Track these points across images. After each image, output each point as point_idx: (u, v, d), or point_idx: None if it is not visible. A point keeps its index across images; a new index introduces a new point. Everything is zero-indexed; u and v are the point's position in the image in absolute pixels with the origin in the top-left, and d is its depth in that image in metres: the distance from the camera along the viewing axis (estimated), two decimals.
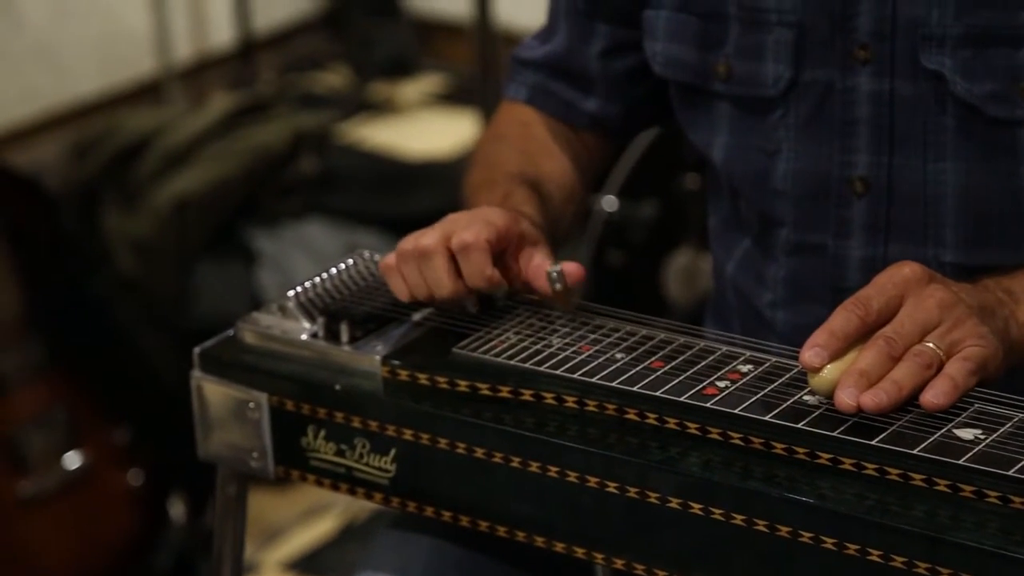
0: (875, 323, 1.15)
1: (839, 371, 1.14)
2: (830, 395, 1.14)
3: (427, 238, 1.29)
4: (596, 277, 2.31)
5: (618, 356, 1.25)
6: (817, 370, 1.15)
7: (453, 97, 3.85)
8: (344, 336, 1.31)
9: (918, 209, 1.35)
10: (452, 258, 1.29)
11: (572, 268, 1.30)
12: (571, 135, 1.51)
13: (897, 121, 1.33)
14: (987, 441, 1.10)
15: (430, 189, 3.05)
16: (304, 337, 1.33)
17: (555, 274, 1.30)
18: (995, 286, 1.22)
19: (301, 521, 2.62)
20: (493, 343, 1.29)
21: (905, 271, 1.18)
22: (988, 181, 1.32)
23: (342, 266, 1.39)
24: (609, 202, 2.34)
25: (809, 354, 1.14)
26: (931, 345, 1.14)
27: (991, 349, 1.15)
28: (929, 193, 1.34)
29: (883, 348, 1.13)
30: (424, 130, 3.73)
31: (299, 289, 1.35)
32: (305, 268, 2.74)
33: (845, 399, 1.12)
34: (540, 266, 1.31)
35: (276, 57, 4.00)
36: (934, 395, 1.12)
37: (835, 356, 1.15)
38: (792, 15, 1.35)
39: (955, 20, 1.30)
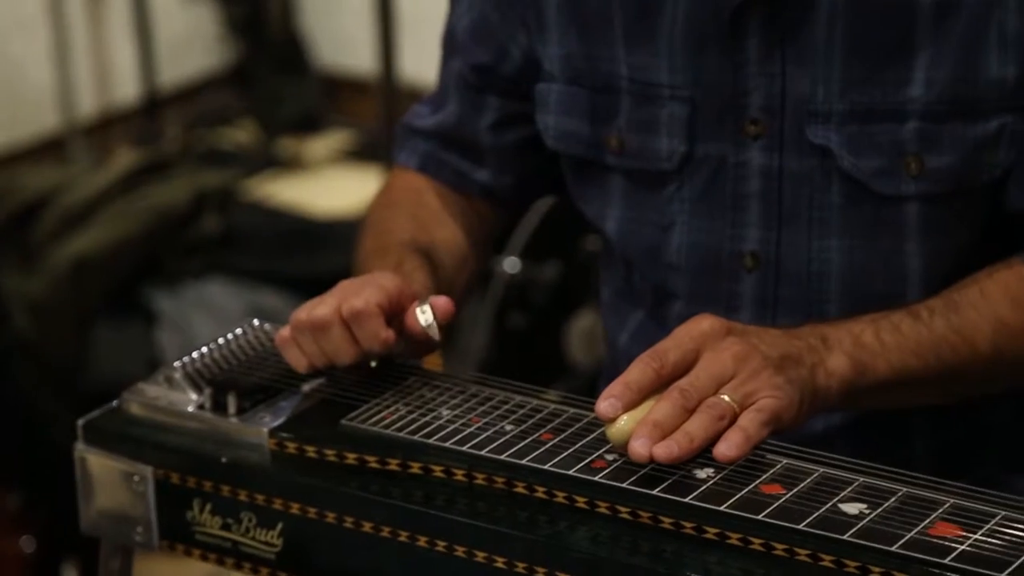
0: (670, 375, 1.17)
1: (634, 422, 1.16)
2: (624, 445, 1.15)
3: (321, 309, 1.28)
4: (498, 339, 2.31)
5: (507, 428, 1.24)
6: (612, 421, 1.16)
7: (360, 153, 3.84)
8: (231, 408, 1.30)
9: (803, 285, 1.36)
10: (348, 326, 1.28)
11: (440, 301, 1.30)
12: (463, 203, 1.51)
13: (785, 197, 1.34)
14: (871, 516, 1.10)
15: (336, 247, 3.03)
16: (191, 409, 1.31)
17: (423, 308, 1.30)
18: (810, 333, 1.23)
19: None
20: (382, 415, 1.28)
21: (703, 325, 1.20)
22: (872, 259, 1.33)
23: (231, 336, 1.37)
24: (511, 263, 2.34)
25: (604, 405, 1.16)
26: (725, 397, 1.16)
27: (785, 400, 1.16)
28: (814, 270, 1.35)
29: (677, 400, 1.15)
30: (331, 186, 3.72)
31: (186, 360, 1.34)
32: (206, 329, 2.71)
33: (638, 449, 1.14)
34: (413, 307, 1.30)
35: (182, 112, 3.98)
36: (727, 447, 1.14)
37: (629, 407, 1.17)
38: (685, 90, 1.36)
39: (841, 97, 1.31)
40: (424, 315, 1.30)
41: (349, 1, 3.97)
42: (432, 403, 1.29)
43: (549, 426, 1.24)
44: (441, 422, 1.26)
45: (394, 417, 1.27)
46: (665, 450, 1.13)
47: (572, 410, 1.26)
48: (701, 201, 1.37)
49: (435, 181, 1.52)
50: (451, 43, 1.50)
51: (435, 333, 1.30)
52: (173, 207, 2.87)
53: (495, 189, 1.51)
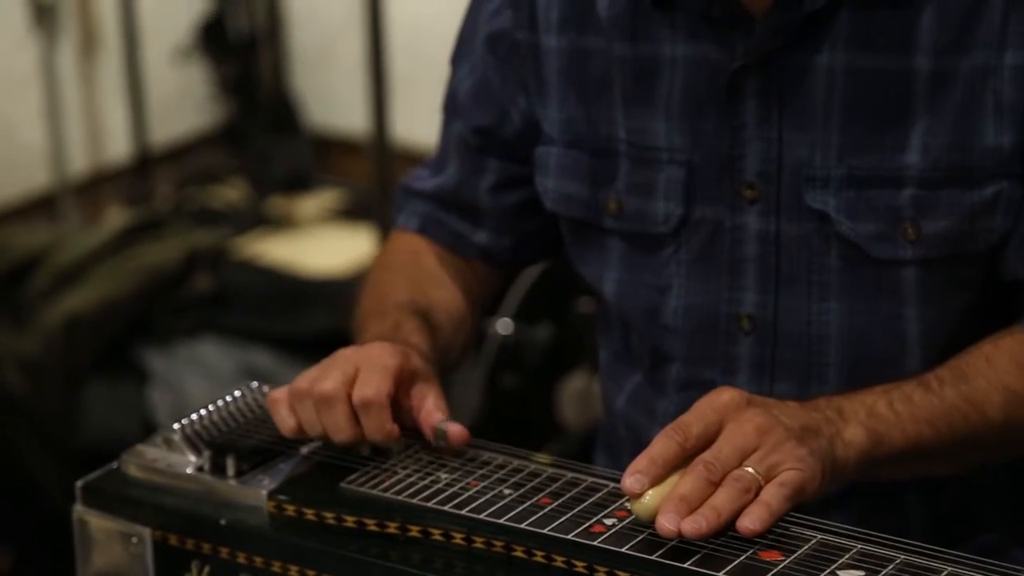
0: (694, 448, 1.17)
1: (660, 496, 1.15)
2: (651, 520, 1.15)
3: (327, 383, 1.29)
4: (490, 400, 2.31)
5: (506, 492, 1.25)
6: (638, 496, 1.16)
7: (350, 213, 3.85)
8: (230, 470, 1.30)
9: (802, 348, 1.36)
10: (352, 406, 1.29)
11: (455, 430, 1.30)
12: (461, 264, 1.52)
13: (783, 260, 1.35)
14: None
15: (326, 306, 3.04)
16: (189, 471, 1.32)
17: (440, 432, 1.31)
18: (826, 405, 1.24)
19: None
20: (381, 478, 1.28)
21: (724, 397, 1.20)
22: (871, 322, 1.34)
23: (229, 398, 1.38)
24: (504, 325, 2.34)
25: (630, 480, 1.16)
26: (750, 470, 1.16)
27: (808, 472, 1.17)
28: (813, 333, 1.36)
29: (702, 473, 1.15)
30: (321, 246, 3.73)
31: (185, 422, 1.34)
32: (198, 387, 2.71)
33: (666, 524, 1.13)
34: (431, 414, 1.31)
35: (173, 171, 3.99)
36: (750, 521, 1.14)
37: (655, 482, 1.16)
38: (682, 154, 1.37)
39: (838, 162, 1.32)
40: (439, 441, 1.31)
41: (340, 62, 4.00)
42: (430, 466, 1.30)
43: (547, 490, 1.24)
44: (439, 485, 1.26)
45: (392, 480, 1.28)
46: (693, 526, 1.12)
47: (570, 474, 1.26)
48: (698, 264, 1.38)
49: (434, 243, 1.53)
50: (452, 106, 1.51)
51: (449, 450, 1.31)
52: (165, 266, 2.88)
53: (493, 251, 1.52)
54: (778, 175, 1.34)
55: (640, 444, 1.45)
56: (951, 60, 1.29)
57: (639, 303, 1.42)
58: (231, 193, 3.96)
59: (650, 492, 1.16)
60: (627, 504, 1.17)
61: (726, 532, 1.15)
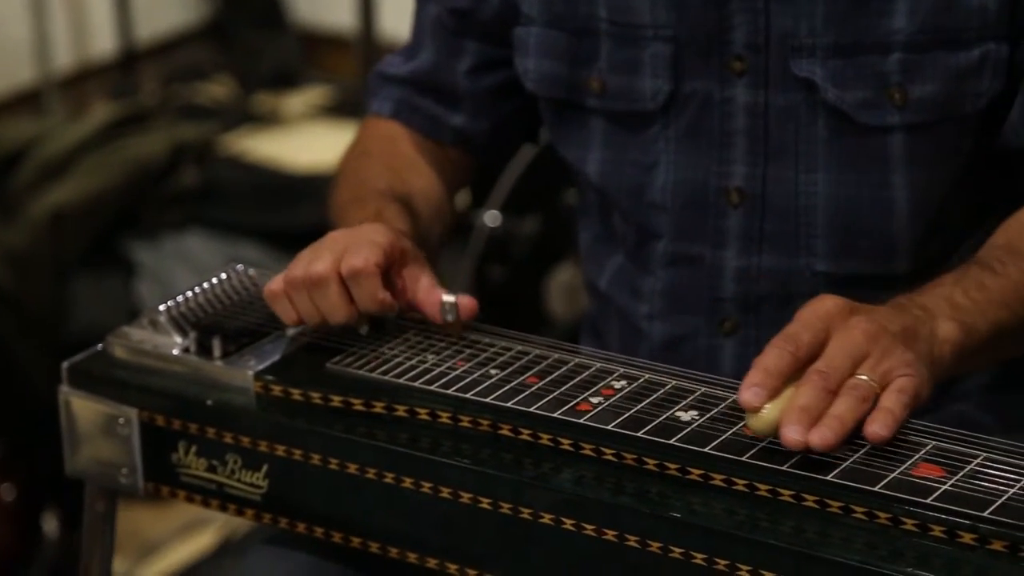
0: (806, 357, 1.14)
1: (779, 408, 1.12)
2: (770, 434, 1.12)
3: (318, 265, 1.27)
4: (478, 292, 2.31)
5: (493, 372, 1.25)
6: (757, 409, 1.13)
7: (338, 109, 3.82)
8: (216, 351, 1.30)
9: (790, 219, 1.36)
10: (344, 284, 1.28)
11: (466, 302, 1.30)
12: (437, 151, 1.51)
13: (771, 132, 1.35)
14: (854, 457, 1.11)
15: (314, 202, 3.02)
16: (176, 352, 1.32)
17: (448, 305, 1.30)
18: (910, 304, 1.21)
19: (178, 536, 2.59)
20: (368, 358, 1.28)
21: (828, 304, 1.17)
22: (858, 191, 1.34)
23: (215, 280, 1.37)
24: (492, 217, 2.34)
25: (748, 394, 1.13)
26: (864, 377, 1.13)
27: (919, 378, 1.15)
28: (801, 203, 1.35)
29: (819, 383, 1.12)
30: (309, 142, 3.70)
31: (171, 303, 1.34)
32: (185, 280, 2.71)
33: (793, 436, 1.10)
34: (432, 292, 1.30)
35: (159, 67, 3.96)
36: (879, 426, 1.11)
37: (773, 394, 1.13)
38: (668, 29, 1.36)
39: (824, 30, 1.31)
40: (449, 313, 1.29)
41: None
42: (418, 347, 1.29)
43: (534, 370, 1.25)
44: (427, 365, 1.26)
45: (380, 360, 1.28)
46: (820, 437, 1.10)
47: (557, 354, 1.26)
48: (686, 139, 1.37)
49: (408, 129, 1.51)
50: None
51: (455, 330, 1.30)
52: (151, 159, 2.86)
53: (470, 135, 1.50)
54: (766, 46, 1.33)
55: (625, 323, 1.46)
56: None
57: (624, 182, 1.41)
58: (217, 89, 3.93)
59: (768, 405, 1.12)
60: (745, 419, 1.14)
61: (715, 410, 1.15)
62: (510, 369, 1.25)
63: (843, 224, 1.35)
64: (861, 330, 1.15)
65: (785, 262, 1.36)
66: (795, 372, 1.14)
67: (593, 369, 1.24)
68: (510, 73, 1.45)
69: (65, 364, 1.34)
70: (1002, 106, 1.32)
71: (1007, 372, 1.42)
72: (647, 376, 1.22)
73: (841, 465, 1.10)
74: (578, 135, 1.43)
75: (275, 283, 1.30)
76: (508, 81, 1.46)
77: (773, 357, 1.14)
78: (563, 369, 1.24)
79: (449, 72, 1.49)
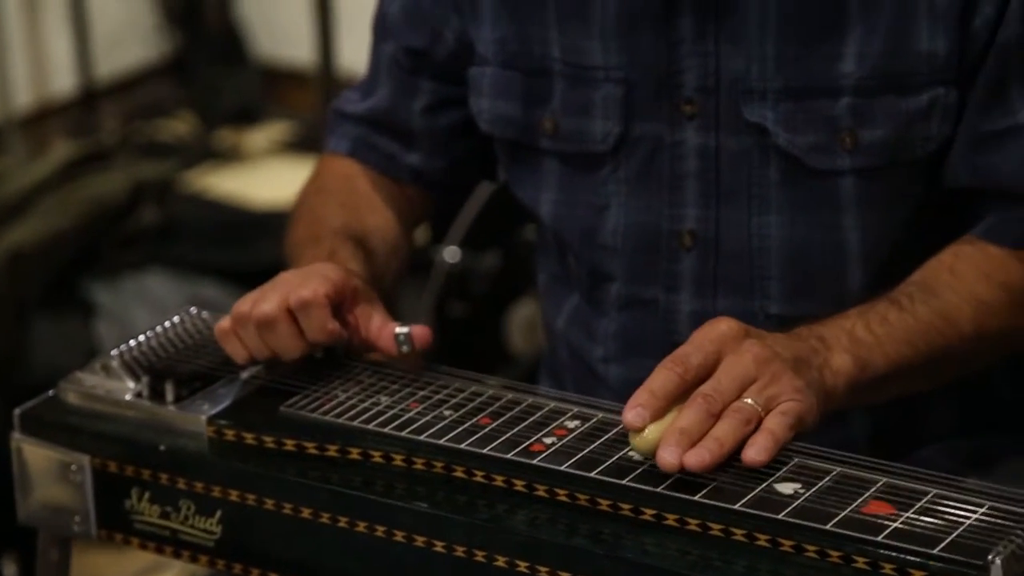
0: (694, 380, 1.16)
1: (660, 430, 1.14)
2: (653, 454, 1.14)
3: (266, 304, 1.28)
4: (438, 328, 2.30)
5: (447, 413, 1.25)
6: (640, 430, 1.15)
7: (300, 145, 3.83)
8: (169, 395, 1.30)
9: (744, 262, 1.36)
10: (294, 320, 1.28)
11: (419, 331, 1.30)
12: (394, 188, 1.51)
13: (723, 175, 1.35)
14: (806, 495, 1.11)
15: (276, 239, 3.00)
16: (128, 397, 1.31)
17: (403, 336, 1.30)
18: (808, 334, 1.23)
19: None
20: (321, 401, 1.28)
21: (721, 327, 1.19)
22: (811, 234, 1.34)
23: (168, 324, 1.37)
24: (451, 253, 2.33)
25: (631, 414, 1.15)
26: (749, 401, 1.15)
27: (806, 403, 1.16)
28: (754, 246, 1.36)
29: (702, 405, 1.14)
30: (271, 178, 3.71)
31: (123, 348, 1.34)
32: (145, 321, 2.70)
33: (668, 458, 1.12)
34: (384, 326, 1.30)
35: (120, 104, 3.95)
36: (756, 451, 1.13)
37: (656, 415, 1.15)
38: (619, 71, 1.36)
39: (775, 74, 1.32)
40: (404, 345, 1.30)
41: None
42: (371, 389, 1.29)
43: (488, 411, 1.24)
44: (380, 407, 1.26)
45: (333, 403, 1.27)
46: (696, 458, 1.11)
47: (511, 394, 1.26)
48: (637, 182, 1.38)
49: (365, 166, 1.51)
50: (383, 27, 1.50)
51: (411, 362, 1.30)
52: (111, 198, 2.85)
53: (426, 173, 1.51)
54: (716, 90, 1.34)
55: (581, 365, 1.46)
56: None
57: (576, 223, 1.41)
58: (179, 126, 3.93)
59: (651, 426, 1.14)
60: (628, 439, 1.15)
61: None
62: (464, 410, 1.25)
63: (796, 267, 1.35)
64: (752, 354, 1.16)
65: (739, 305, 1.36)
66: (682, 394, 1.16)
67: (546, 409, 1.24)
68: (466, 112, 1.46)
69: (17, 411, 1.33)
70: (951, 150, 1.33)
71: (968, 416, 1.42)
72: (600, 416, 1.22)
73: (793, 504, 1.10)
74: (531, 176, 1.43)
75: (224, 321, 1.30)
76: (464, 120, 1.47)
77: (660, 379, 1.16)
78: (516, 409, 1.24)
79: (405, 111, 1.49)
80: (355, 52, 3.28)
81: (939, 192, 1.35)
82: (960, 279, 1.30)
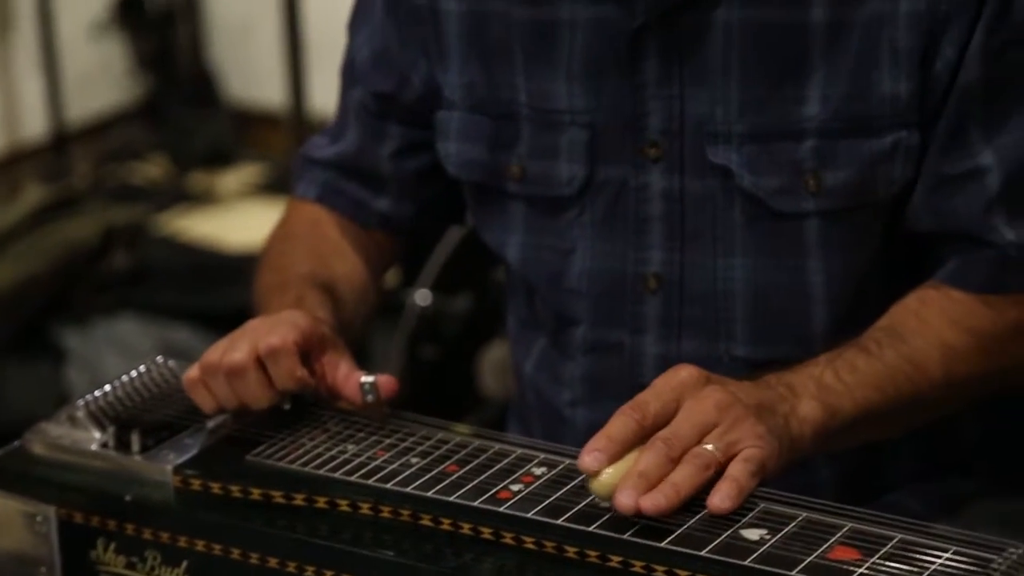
0: (652, 426, 1.16)
1: (619, 474, 1.14)
2: (611, 498, 1.14)
3: (236, 353, 1.28)
4: (410, 371, 2.30)
5: (414, 461, 1.24)
6: (596, 474, 1.15)
7: (273, 187, 3.83)
8: (135, 445, 1.29)
9: (709, 305, 1.36)
10: (263, 369, 1.28)
11: (385, 381, 1.30)
12: (362, 234, 1.51)
13: (687, 218, 1.35)
14: (772, 541, 1.11)
15: (248, 282, 3.00)
16: (94, 447, 1.30)
17: (368, 386, 1.30)
18: (776, 382, 1.23)
19: None
20: (288, 450, 1.27)
21: (682, 374, 1.19)
22: (775, 277, 1.35)
23: (134, 373, 1.36)
24: (422, 296, 2.33)
25: (588, 459, 1.15)
26: (709, 447, 1.15)
27: (768, 449, 1.16)
28: (719, 289, 1.36)
29: (661, 450, 1.14)
30: (244, 220, 3.70)
31: (89, 398, 1.33)
32: (116, 366, 2.69)
33: (625, 501, 1.12)
34: (351, 375, 1.30)
35: (92, 148, 3.95)
36: (720, 499, 1.13)
37: (613, 459, 1.15)
38: (585, 115, 1.37)
39: (739, 117, 1.32)
40: (369, 394, 1.30)
41: (258, 34, 3.97)
42: (338, 437, 1.29)
43: (455, 458, 1.24)
44: (347, 456, 1.26)
45: (300, 452, 1.27)
46: (652, 502, 1.11)
47: (478, 441, 1.26)
48: (603, 225, 1.38)
49: (333, 212, 1.51)
50: (351, 73, 1.50)
51: (377, 412, 1.30)
52: (82, 243, 2.85)
53: (394, 218, 1.51)
54: (681, 132, 1.34)
55: (549, 410, 1.46)
56: (846, 10, 1.29)
57: (543, 267, 1.42)
58: (151, 169, 3.93)
59: (608, 470, 1.14)
60: (586, 482, 1.15)
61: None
62: (431, 457, 1.24)
63: (761, 309, 1.35)
64: (712, 400, 1.16)
65: (704, 348, 1.36)
66: (640, 439, 1.16)
67: (513, 456, 1.23)
68: (434, 156, 1.46)
69: None
70: (914, 193, 1.33)
71: (934, 460, 1.43)
72: (567, 462, 1.22)
73: (759, 550, 1.10)
74: (499, 220, 1.44)
75: (192, 371, 1.30)
76: (432, 164, 1.47)
77: (618, 424, 1.16)
78: (483, 457, 1.24)
79: (373, 156, 1.49)
80: (326, 94, 3.29)
81: (903, 234, 1.35)
82: (927, 325, 1.31)
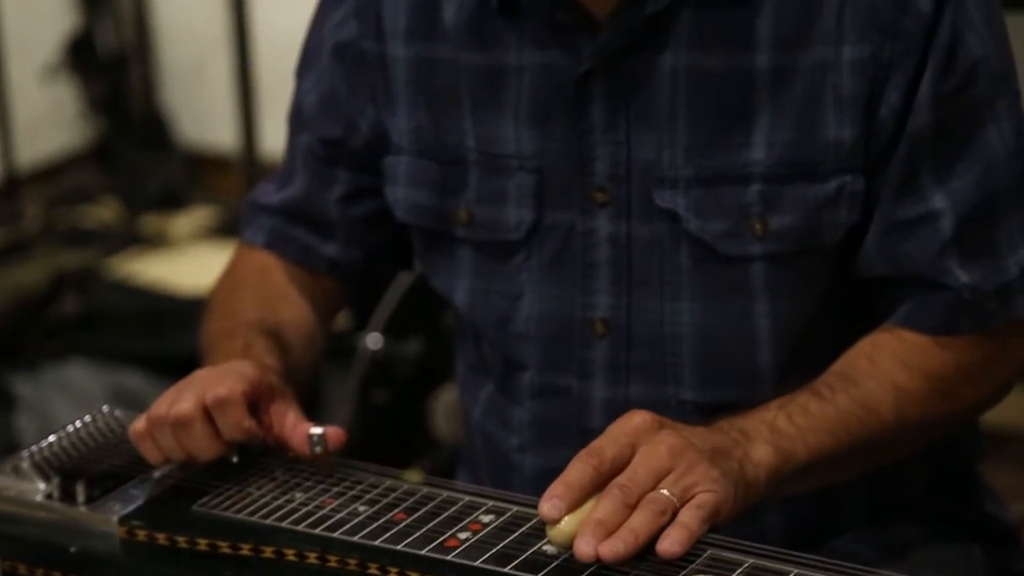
0: (609, 472, 1.16)
1: (577, 521, 1.14)
2: (569, 546, 1.13)
3: (182, 405, 1.27)
4: (362, 415, 2.30)
5: (361, 509, 1.24)
6: (556, 522, 1.14)
7: (225, 230, 3.82)
8: (80, 496, 1.28)
9: (656, 349, 1.36)
10: (210, 420, 1.27)
11: (333, 432, 1.29)
12: (310, 280, 1.50)
13: (635, 262, 1.35)
14: None
15: (200, 326, 2.99)
16: (39, 498, 1.29)
17: (316, 437, 1.29)
18: (729, 427, 1.24)
19: None
20: (234, 499, 1.27)
21: (636, 420, 1.19)
22: (722, 321, 1.35)
23: (79, 423, 1.35)
24: (374, 339, 2.33)
25: (547, 506, 1.14)
26: (665, 492, 1.15)
27: (723, 494, 1.16)
28: (666, 333, 1.36)
29: (618, 496, 1.14)
30: (196, 263, 3.69)
31: (34, 448, 1.32)
32: (66, 412, 2.67)
33: (584, 548, 1.12)
34: (298, 425, 1.30)
35: (43, 191, 3.93)
36: (669, 544, 1.12)
37: (572, 507, 1.15)
38: (533, 160, 1.37)
39: (686, 162, 1.32)
40: (317, 446, 1.29)
41: (210, 77, 3.96)
42: (285, 486, 1.28)
43: (403, 506, 1.23)
44: (294, 504, 1.25)
45: (247, 501, 1.26)
46: (611, 549, 1.11)
47: (426, 489, 1.25)
48: (550, 270, 1.38)
49: (281, 258, 1.51)
50: (298, 118, 1.50)
51: (325, 463, 1.29)
52: (31, 288, 2.83)
53: (342, 264, 1.50)
54: (628, 177, 1.34)
55: (498, 455, 1.46)
56: (791, 56, 1.30)
57: (490, 311, 1.41)
58: (103, 212, 3.91)
59: (567, 518, 1.14)
60: (544, 531, 1.15)
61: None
62: (379, 505, 1.24)
63: (708, 353, 1.35)
64: (667, 445, 1.17)
65: (652, 392, 1.36)
66: (598, 486, 1.16)
67: (461, 504, 1.23)
68: (382, 202, 1.46)
69: None
70: (860, 237, 1.34)
71: (881, 506, 1.43)
72: (515, 509, 1.21)
73: None
74: (447, 265, 1.43)
75: (140, 422, 1.29)
76: (380, 210, 1.47)
77: (575, 471, 1.16)
78: (431, 504, 1.23)
79: (321, 201, 1.49)
80: (278, 136, 3.27)
81: (849, 277, 1.36)
82: (879, 368, 1.31)
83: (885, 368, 1.31)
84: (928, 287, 1.33)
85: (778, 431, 1.24)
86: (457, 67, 1.38)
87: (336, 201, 1.48)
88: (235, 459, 1.31)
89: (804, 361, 1.35)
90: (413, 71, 1.41)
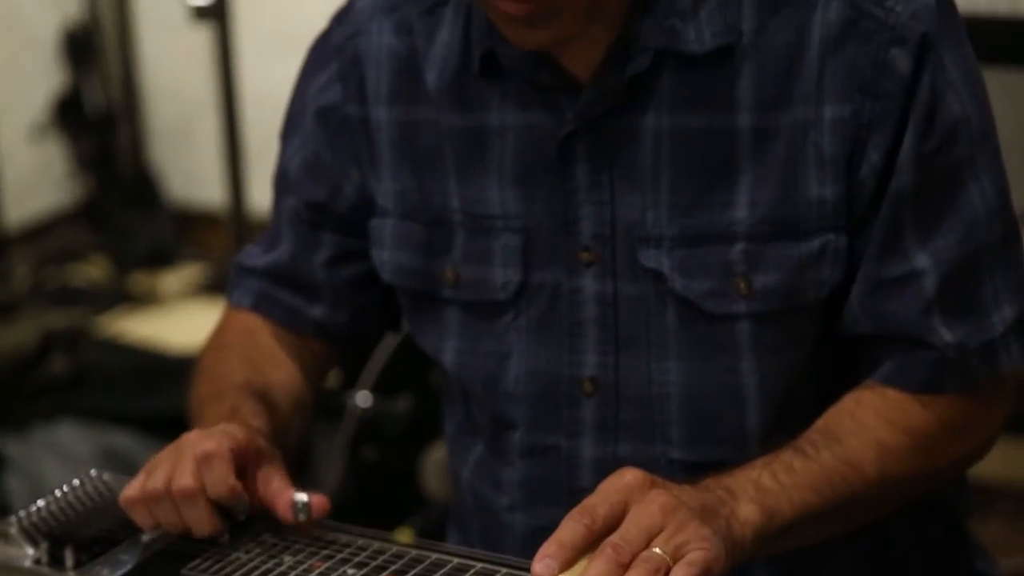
0: (602, 530, 1.16)
1: None
2: None
3: (184, 479, 1.27)
4: (352, 473, 2.29)
5: (350, 572, 1.23)
6: None
7: (214, 287, 3.82)
8: (69, 561, 1.28)
9: (644, 408, 1.37)
10: (205, 496, 1.27)
11: (318, 501, 1.29)
12: (297, 342, 1.51)
13: (621, 321, 1.36)
14: None
15: (190, 385, 2.99)
16: (27, 564, 1.29)
17: (300, 504, 1.29)
18: (715, 485, 1.24)
19: None
20: (223, 563, 1.26)
21: (627, 477, 1.19)
22: (709, 379, 1.35)
23: (67, 488, 1.35)
24: (363, 397, 2.33)
25: (540, 565, 1.14)
26: (657, 550, 1.15)
27: (714, 552, 1.16)
28: (654, 392, 1.36)
29: (612, 556, 1.14)
30: (186, 321, 3.69)
31: (22, 513, 1.31)
32: (56, 473, 2.66)
33: None
34: (283, 491, 1.29)
35: (31, 250, 3.93)
36: None
37: (565, 566, 1.15)
38: (518, 220, 1.38)
39: (669, 222, 1.33)
40: (301, 513, 1.29)
41: (198, 135, 3.97)
42: (274, 549, 1.28)
43: (391, 568, 1.23)
44: (283, 568, 1.25)
45: (235, 565, 1.26)
46: None
47: (414, 551, 1.25)
48: (538, 329, 1.38)
49: (268, 321, 1.51)
50: (284, 181, 1.50)
51: (308, 530, 1.29)
52: (19, 349, 2.83)
53: (329, 326, 1.51)
54: (612, 237, 1.35)
55: (487, 514, 1.46)
56: (772, 116, 1.31)
57: (479, 372, 1.42)
58: (92, 271, 3.91)
59: None
60: None
61: None
62: (367, 568, 1.24)
63: (695, 412, 1.36)
64: (658, 504, 1.17)
65: (641, 451, 1.37)
66: (590, 544, 1.16)
67: (449, 566, 1.22)
68: (368, 264, 1.46)
69: None
70: (844, 295, 1.34)
71: (865, 563, 1.43)
72: (504, 571, 1.21)
73: None
74: (434, 325, 1.44)
75: (132, 490, 1.29)
76: (366, 272, 1.47)
77: (568, 530, 1.16)
78: (420, 567, 1.23)
79: (307, 264, 1.49)
80: (265, 194, 3.28)
81: (839, 336, 1.36)
82: (861, 424, 1.31)
83: (868, 425, 1.31)
84: (912, 345, 1.33)
85: (763, 489, 1.25)
86: (440, 129, 1.39)
87: (322, 264, 1.49)
88: (225, 539, 1.30)
89: (790, 419, 1.35)
90: (397, 134, 1.41)
